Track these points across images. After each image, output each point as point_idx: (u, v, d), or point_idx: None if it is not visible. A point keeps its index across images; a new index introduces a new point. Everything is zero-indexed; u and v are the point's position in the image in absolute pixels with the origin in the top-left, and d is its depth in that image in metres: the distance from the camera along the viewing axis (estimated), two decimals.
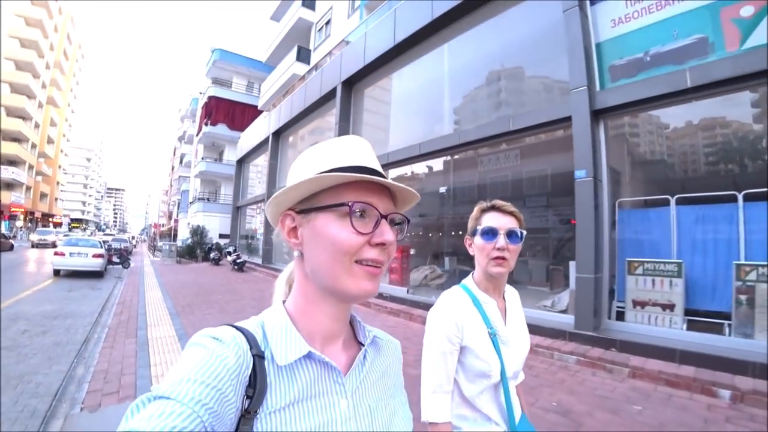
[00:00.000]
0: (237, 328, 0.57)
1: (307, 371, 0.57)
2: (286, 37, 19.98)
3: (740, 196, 4.56)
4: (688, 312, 4.79)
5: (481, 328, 1.19)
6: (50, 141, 54.85)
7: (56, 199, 64.04)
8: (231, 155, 29.13)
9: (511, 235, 1.18)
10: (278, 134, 17.06)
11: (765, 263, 4.26)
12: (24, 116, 44.17)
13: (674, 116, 5.66)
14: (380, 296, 8.27)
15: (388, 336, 0.75)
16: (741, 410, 3.44)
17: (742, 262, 4.42)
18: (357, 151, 0.61)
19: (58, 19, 51.41)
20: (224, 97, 29.92)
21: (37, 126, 48.13)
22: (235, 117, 29.52)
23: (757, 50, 4.29)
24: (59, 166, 63.43)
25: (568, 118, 5.62)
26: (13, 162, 43.59)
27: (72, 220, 77.24)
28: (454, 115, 8.57)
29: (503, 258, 1.17)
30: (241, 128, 25.81)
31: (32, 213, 49.98)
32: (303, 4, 18.67)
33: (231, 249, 20.17)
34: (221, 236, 26.88)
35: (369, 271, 0.57)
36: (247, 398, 0.51)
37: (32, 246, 28.24)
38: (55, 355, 4.91)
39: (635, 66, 5.31)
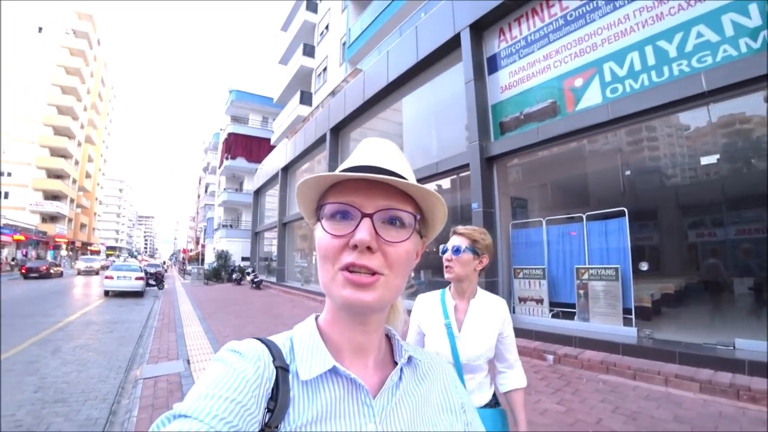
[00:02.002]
0: (262, 340, 0.56)
1: (332, 388, 0.53)
2: (292, 80, 22.82)
3: (584, 216, 6.57)
4: (552, 304, 6.78)
5: (438, 320, 1.53)
6: (88, 176, 59.58)
7: (93, 228, 68.90)
8: (250, 185, 31.97)
9: (455, 250, 1.50)
10: (287, 169, 19.68)
11: (596, 266, 6.26)
12: (65, 155, 48.69)
13: (547, 158, 7.74)
14: None
15: (432, 357, 0.68)
16: (556, 369, 5.22)
17: (579, 265, 6.43)
18: (367, 151, 0.58)
19: (93, 66, 56.50)
20: (242, 132, 33.09)
21: (76, 163, 52.65)
22: (252, 150, 32.53)
23: (588, 111, 6.22)
24: (96, 198, 68.44)
25: (467, 165, 7.78)
26: (57, 197, 47.92)
27: (107, 247, 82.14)
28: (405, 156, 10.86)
29: (449, 266, 1.52)
30: (258, 160, 28.63)
31: (73, 242, 54.18)
32: (304, 53, 21.53)
33: (250, 270, 22.87)
34: (243, 259, 29.57)
35: (348, 278, 0.52)
36: (268, 411, 0.49)
37: (78, 273, 31.13)
38: (122, 344, 7.30)
39: (515, 123, 7.39)
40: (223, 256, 28.31)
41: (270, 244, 24.17)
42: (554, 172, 8.43)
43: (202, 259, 39.77)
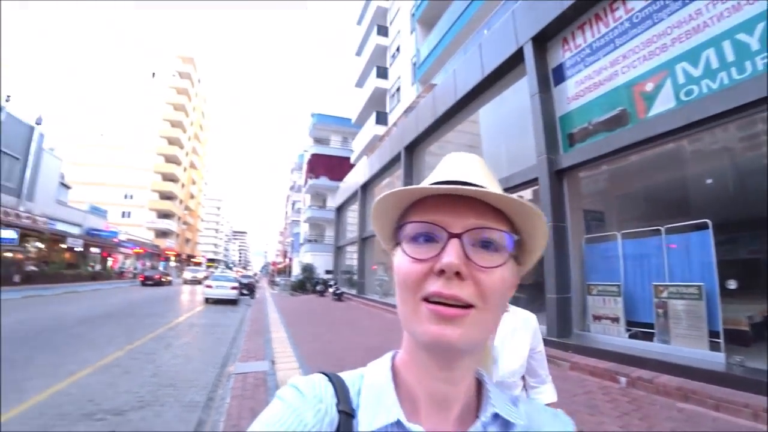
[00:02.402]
0: (330, 377, 0.50)
1: None
2: (368, 101, 23.94)
3: (663, 229, 6.22)
4: (630, 323, 6.45)
5: None
6: (192, 196, 66.95)
7: (196, 243, 76.85)
8: (332, 202, 33.71)
9: None
10: (365, 187, 20.62)
11: (676, 284, 5.90)
12: (174, 179, 55.48)
13: (625, 168, 7.40)
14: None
15: (541, 413, 0.54)
16: (627, 392, 4.94)
17: (658, 282, 6.10)
18: (452, 166, 0.52)
19: (195, 101, 63.91)
20: (324, 153, 35.21)
21: (183, 186, 59.48)
22: (334, 169, 34.38)
23: (661, 116, 5.89)
24: (198, 216, 76.52)
25: (536, 179, 7.68)
26: (167, 215, 54.61)
27: (207, 259, 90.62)
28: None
29: None
30: (340, 178, 30.18)
31: (180, 255, 60.81)
32: (378, 75, 22.60)
33: (332, 282, 24.08)
34: (326, 272, 31.08)
35: (433, 309, 0.43)
36: None
37: (184, 282, 34.70)
38: (219, 344, 8.27)
39: (584, 133, 7.17)
40: (308, 269, 30.12)
41: (351, 258, 25.15)
42: (629, 183, 8.01)
43: (290, 272, 42.37)
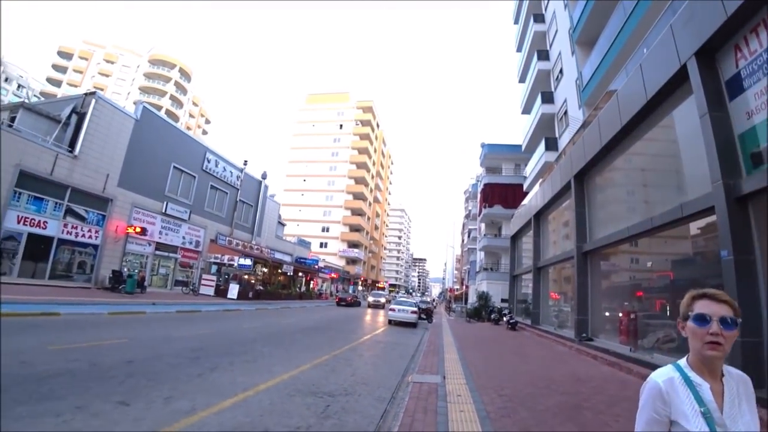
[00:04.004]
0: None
1: None
2: (536, 128, 23.59)
3: None
4: None
5: (691, 406, 1.24)
6: (376, 228, 74.57)
7: (380, 269, 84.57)
8: (507, 230, 33.62)
9: (724, 322, 1.25)
10: (538, 216, 20.33)
11: None
12: (361, 214, 63.29)
13: None
14: (603, 350, 10.18)
15: None
16: None
17: None
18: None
19: (375, 144, 72.29)
20: (497, 182, 35.58)
21: (368, 219, 67.00)
22: (507, 197, 34.34)
23: None
24: (382, 245, 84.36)
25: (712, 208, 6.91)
26: (356, 245, 62.35)
27: (390, 284, 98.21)
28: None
29: (718, 343, 1.24)
30: (514, 206, 30.03)
31: (366, 280, 67.95)
32: (543, 100, 22.22)
33: (506, 311, 23.95)
34: (502, 300, 30.88)
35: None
36: None
37: (368, 306, 36.73)
38: (401, 358, 9.69)
39: None
40: (483, 297, 30.47)
41: (527, 286, 24.72)
42: None
43: (466, 299, 43.15)
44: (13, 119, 17.00)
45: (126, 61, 68.45)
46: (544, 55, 23.20)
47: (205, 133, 78.48)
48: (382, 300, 36.79)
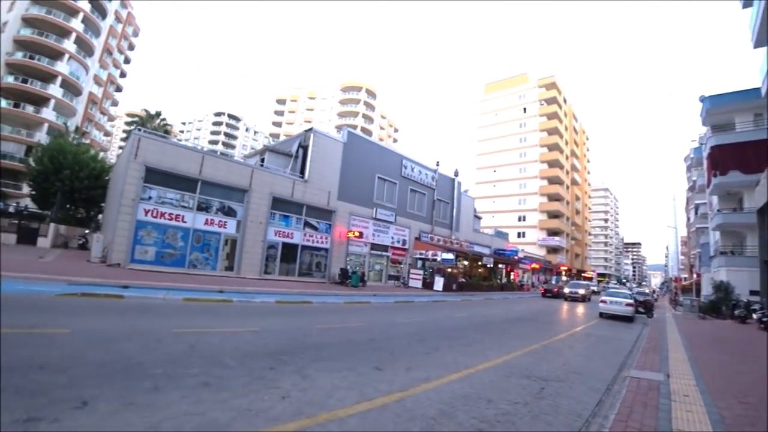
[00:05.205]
0: None
1: None
2: None
3: None
4: None
5: None
6: (577, 212, 68.60)
7: (585, 257, 77.39)
8: (751, 202, 27.04)
9: None
10: None
11: None
12: (558, 198, 59.44)
13: None
14: None
15: None
16: None
17: None
18: None
19: (565, 121, 66.17)
20: (728, 142, 28.59)
21: (567, 203, 62.29)
22: (747, 159, 27.07)
23: None
24: (586, 231, 77.14)
25: None
26: (556, 233, 58.89)
27: (598, 274, 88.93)
28: None
29: None
30: (758, 170, 23.87)
31: (570, 270, 63.32)
32: None
33: (757, 306, 19.43)
34: (751, 293, 24.99)
35: None
36: None
37: (565, 299, 30.34)
38: (615, 353, 9.43)
39: None
40: (722, 288, 25.25)
41: None
42: None
43: (698, 290, 36.38)
44: (262, 160, 22.87)
45: (324, 94, 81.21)
46: None
47: (395, 141, 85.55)
48: (581, 291, 30.36)
